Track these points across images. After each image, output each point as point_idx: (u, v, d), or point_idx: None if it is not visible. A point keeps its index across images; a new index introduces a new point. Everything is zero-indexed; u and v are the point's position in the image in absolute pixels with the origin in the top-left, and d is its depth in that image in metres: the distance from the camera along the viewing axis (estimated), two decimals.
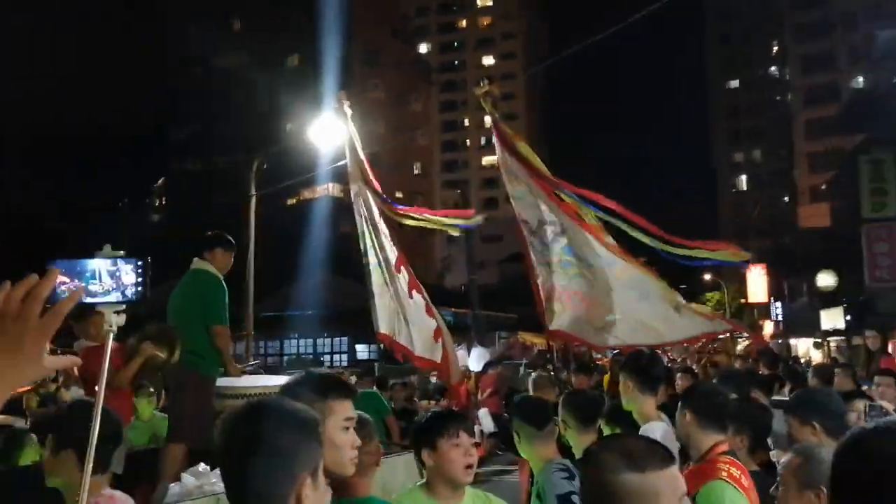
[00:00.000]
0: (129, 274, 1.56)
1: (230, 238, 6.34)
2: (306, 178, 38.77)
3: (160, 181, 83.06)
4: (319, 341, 41.48)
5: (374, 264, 7.17)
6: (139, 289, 1.58)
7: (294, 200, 59.63)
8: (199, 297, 5.96)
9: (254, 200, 16.65)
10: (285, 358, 39.99)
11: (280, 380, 5.96)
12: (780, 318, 47.88)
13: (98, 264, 1.44)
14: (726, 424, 3.41)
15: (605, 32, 11.81)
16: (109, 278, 1.52)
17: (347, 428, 2.32)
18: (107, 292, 1.56)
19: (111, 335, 1.62)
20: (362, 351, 40.81)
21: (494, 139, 7.18)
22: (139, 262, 1.60)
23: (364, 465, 2.60)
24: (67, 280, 1.43)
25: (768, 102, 79.82)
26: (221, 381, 5.77)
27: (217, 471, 3.05)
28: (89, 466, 2.02)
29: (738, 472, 3.11)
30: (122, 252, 1.47)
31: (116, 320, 1.57)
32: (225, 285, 6.05)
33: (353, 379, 12.74)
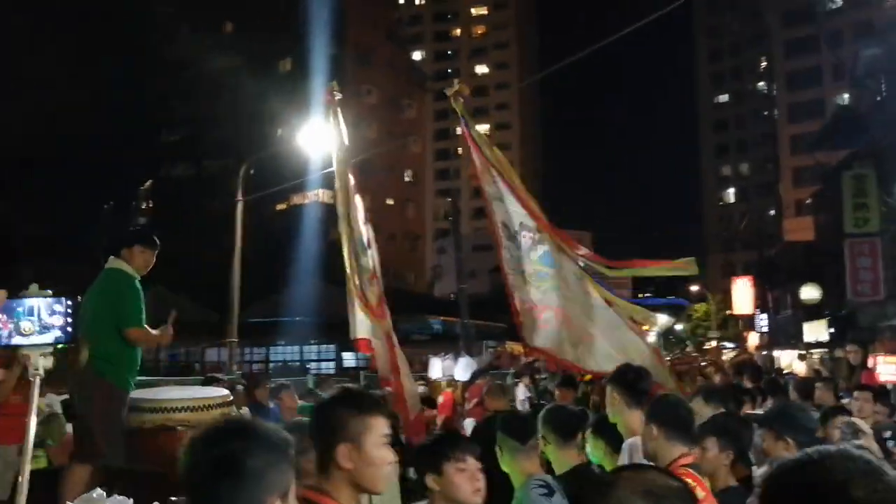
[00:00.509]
0: (56, 315, 1.47)
1: (153, 237, 5.89)
2: (296, 184, 38.73)
3: (146, 184, 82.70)
4: (306, 349, 41.35)
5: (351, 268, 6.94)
6: (69, 329, 1.49)
7: (284, 206, 59.52)
8: (111, 298, 5.38)
9: (241, 205, 16.63)
10: (271, 365, 39.83)
11: (200, 391, 5.67)
12: (764, 329, 48.08)
13: (33, 303, 1.35)
14: (691, 437, 3.42)
15: (596, 45, 11.90)
16: (48, 316, 1.42)
17: (384, 445, 2.26)
18: (33, 334, 1.46)
19: (38, 378, 1.54)
20: (349, 359, 40.64)
21: (464, 137, 7.09)
22: (69, 302, 1.51)
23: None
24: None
25: (755, 117, 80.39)
26: (136, 394, 5.14)
27: (116, 497, 2.87)
28: None
29: (693, 484, 3.08)
30: (49, 291, 1.42)
31: (43, 363, 1.49)
32: (140, 286, 5.57)
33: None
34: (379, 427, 2.24)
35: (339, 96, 7.27)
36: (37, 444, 6.61)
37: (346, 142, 7.24)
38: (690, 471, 3.24)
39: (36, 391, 1.53)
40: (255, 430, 1.67)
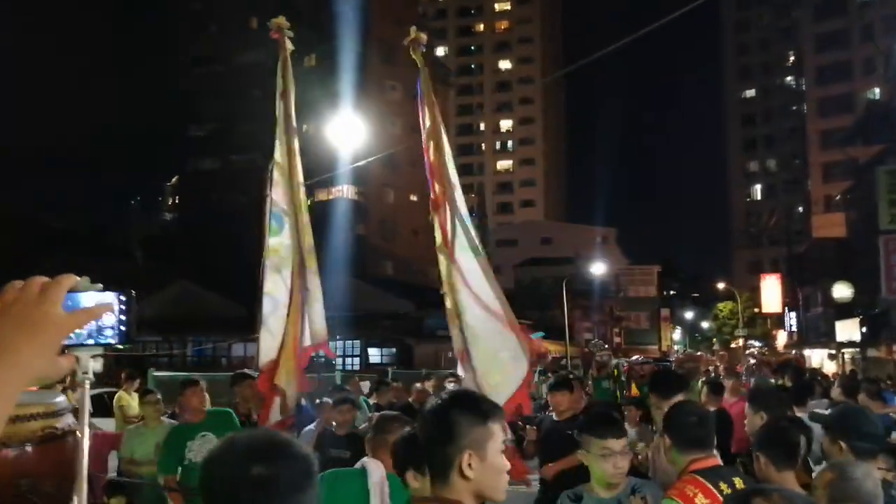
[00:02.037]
0: (109, 313, 1.33)
1: None
2: (322, 180, 38.79)
3: (173, 180, 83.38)
4: (332, 344, 41.35)
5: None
6: (123, 329, 1.33)
7: (309, 202, 59.61)
8: None
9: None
10: None
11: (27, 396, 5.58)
12: (793, 328, 47.57)
13: (83, 298, 1.22)
14: (702, 443, 3.41)
15: (621, 41, 11.71)
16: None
17: (503, 451, 2.18)
18: (80, 333, 1.34)
19: (88, 382, 1.42)
20: (374, 355, 40.78)
21: (419, 89, 6.47)
22: (122, 297, 1.36)
23: None
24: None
25: (783, 112, 79.53)
26: None
27: None
28: None
29: (695, 491, 3.16)
30: (100, 286, 1.27)
31: (93, 366, 1.35)
32: None
33: (367, 385, 12.70)
34: (499, 433, 2.15)
35: (289, 35, 6.32)
36: None
37: (291, 92, 6.32)
38: (697, 477, 3.22)
39: (87, 396, 1.42)
40: (294, 448, 1.62)
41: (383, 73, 63.67)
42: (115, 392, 10.78)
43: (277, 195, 6.11)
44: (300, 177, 6.24)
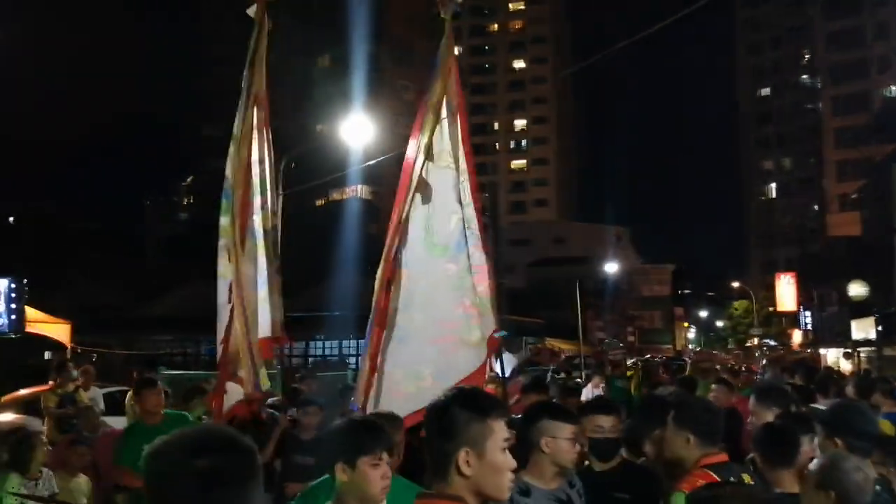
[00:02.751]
0: None
1: None
2: (334, 179, 38.89)
3: (188, 180, 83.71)
4: (346, 343, 41.51)
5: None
6: (13, 317, 1.24)
7: (322, 201, 59.87)
8: None
9: (281, 200, 16.68)
10: (310, 359, 40.08)
11: None
12: (809, 327, 47.30)
13: None
14: (714, 438, 3.44)
15: (634, 38, 11.68)
16: None
17: (505, 449, 2.14)
18: None
19: None
20: None
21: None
22: (12, 285, 1.27)
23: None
24: None
25: (798, 110, 79.00)
26: None
27: None
28: None
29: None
30: None
31: None
32: None
33: None
34: (500, 431, 2.11)
35: (267, 21, 6.13)
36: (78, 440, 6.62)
37: (261, 64, 6.07)
38: (708, 471, 3.26)
39: None
40: (234, 441, 1.57)
41: (396, 73, 63.79)
42: (128, 391, 10.85)
43: (229, 170, 5.66)
44: (256, 154, 5.76)
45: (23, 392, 11.83)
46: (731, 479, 3.25)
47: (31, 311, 13.87)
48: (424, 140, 5.32)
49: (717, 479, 3.21)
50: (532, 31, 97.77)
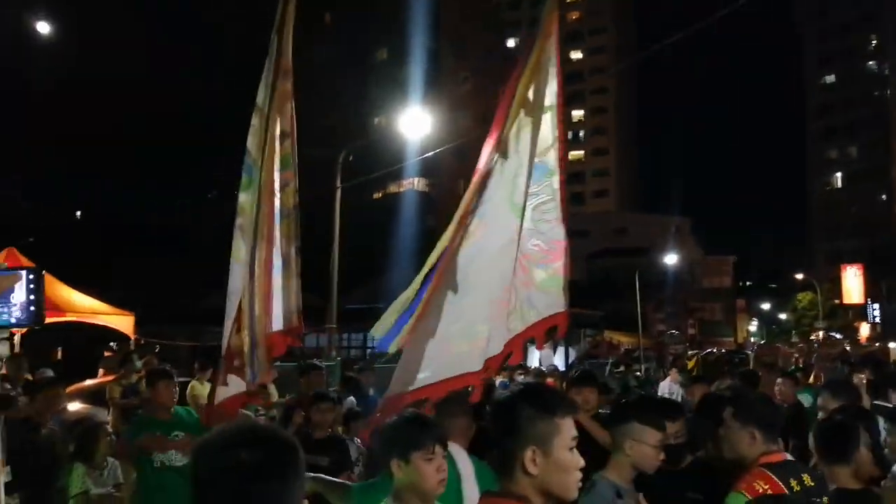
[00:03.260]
0: (18, 291, 1.22)
1: None
2: (392, 172, 39.10)
3: None
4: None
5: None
6: (32, 309, 1.23)
7: (379, 194, 60.26)
8: None
9: (339, 192, 16.81)
10: (368, 351, 40.43)
11: None
12: (877, 319, 45.99)
13: None
14: (775, 436, 3.37)
15: (695, 26, 11.43)
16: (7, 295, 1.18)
17: (573, 448, 2.10)
18: None
19: None
20: None
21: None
22: (31, 276, 1.26)
23: None
24: None
25: (865, 98, 76.78)
26: None
27: None
28: None
29: (765, 486, 3.11)
30: (5, 264, 1.16)
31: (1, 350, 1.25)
32: None
33: None
34: (568, 429, 2.07)
35: None
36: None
37: (289, 27, 5.52)
38: (765, 471, 3.18)
39: None
40: (278, 436, 1.64)
41: (454, 65, 63.78)
42: (189, 381, 11.05)
43: (251, 144, 5.27)
44: (279, 127, 5.24)
45: (88, 382, 12.15)
46: (791, 480, 3.16)
47: (95, 303, 14.26)
48: (525, 91, 5.02)
49: (776, 479, 3.14)
50: (590, 22, 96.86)
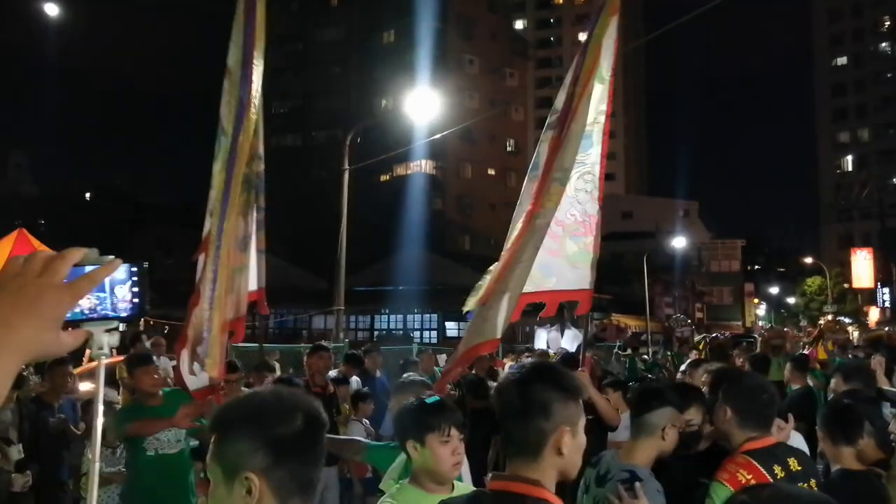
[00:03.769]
0: (120, 284, 1.25)
1: None
2: (400, 154, 39.02)
3: None
4: (409, 317, 41.88)
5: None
6: (136, 301, 1.26)
7: (387, 177, 60.16)
8: None
9: (347, 174, 16.78)
10: (375, 333, 40.52)
11: None
12: (886, 304, 45.87)
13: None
14: (764, 422, 3.30)
15: (703, 7, 11.38)
16: (114, 286, 1.22)
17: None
18: (94, 309, 1.26)
19: (103, 358, 1.36)
20: (452, 328, 41.03)
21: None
22: (134, 269, 1.28)
23: None
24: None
25: (877, 80, 76.10)
26: None
27: None
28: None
29: (748, 476, 3.06)
30: (111, 257, 1.20)
31: (109, 341, 1.29)
32: None
33: (444, 357, 12.79)
34: (583, 411, 2.13)
35: None
36: None
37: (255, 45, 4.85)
38: (751, 460, 3.13)
39: (102, 372, 1.35)
40: (305, 402, 1.73)
41: (461, 47, 63.43)
42: None
43: (223, 110, 4.87)
44: (253, 92, 4.78)
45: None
46: (775, 466, 3.13)
47: None
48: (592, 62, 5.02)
49: (759, 467, 3.11)
50: (598, 3, 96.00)
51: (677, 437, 3.39)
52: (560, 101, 5.01)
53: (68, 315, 1.08)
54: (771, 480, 3.08)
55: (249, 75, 4.74)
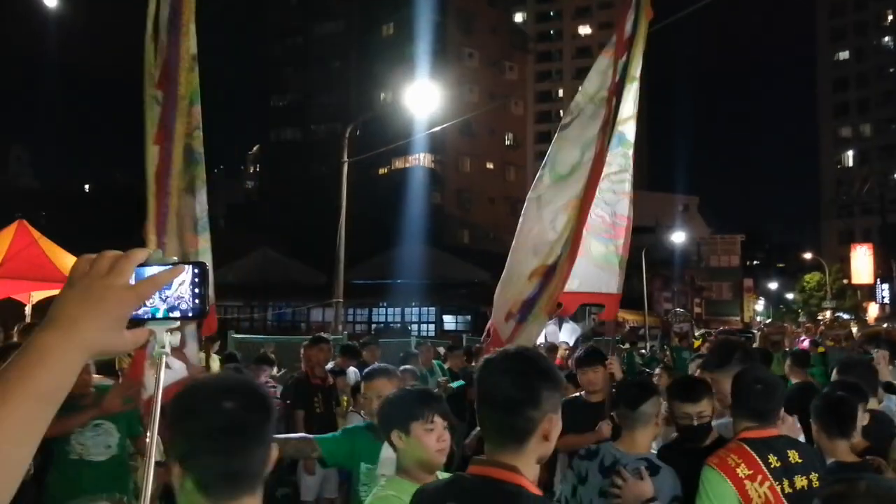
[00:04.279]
0: (182, 284, 1.25)
1: None
2: (399, 147, 38.97)
3: (254, 149, 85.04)
4: (407, 310, 41.88)
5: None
6: (197, 301, 1.26)
7: (385, 170, 60.11)
8: None
9: (346, 168, 16.76)
10: (373, 326, 40.52)
11: None
12: (886, 300, 45.89)
13: (155, 272, 1.16)
14: (759, 412, 3.32)
15: (704, 1, 11.30)
16: (175, 286, 1.24)
17: None
18: (156, 308, 1.27)
19: (164, 358, 1.37)
20: (450, 322, 41.04)
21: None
22: (196, 269, 1.29)
23: None
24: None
25: (879, 74, 75.97)
26: None
27: None
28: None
29: (738, 461, 3.11)
30: (174, 259, 1.23)
31: (170, 340, 1.30)
32: None
33: (442, 350, 12.79)
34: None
35: None
36: None
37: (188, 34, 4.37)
38: (744, 446, 3.17)
39: (162, 370, 1.36)
40: (255, 388, 1.75)
41: (460, 40, 63.31)
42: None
43: (150, 76, 4.35)
44: (189, 48, 4.34)
45: None
46: (771, 455, 3.15)
47: None
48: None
49: (752, 453, 3.14)
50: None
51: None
52: (582, 101, 5.01)
53: (133, 314, 1.12)
54: (763, 468, 3.10)
55: (179, 31, 4.30)
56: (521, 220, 4.95)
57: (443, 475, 2.88)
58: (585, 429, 4.67)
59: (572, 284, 4.63)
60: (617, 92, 4.87)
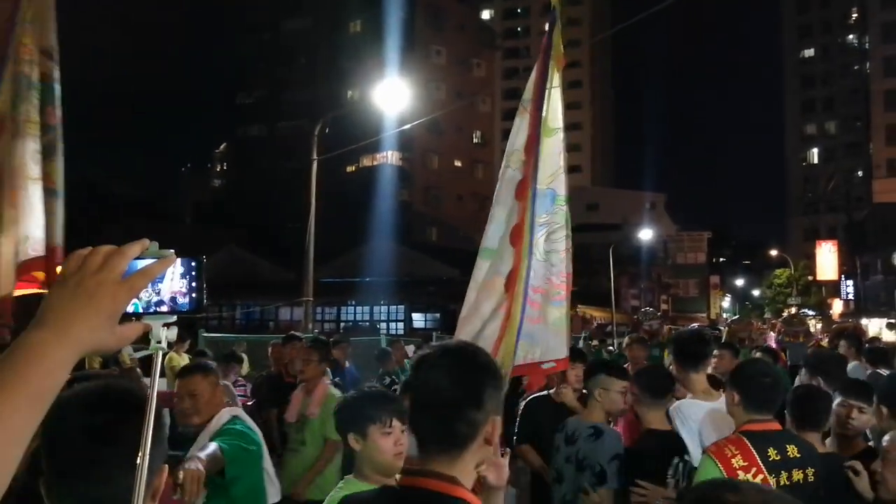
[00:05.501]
0: (179, 279, 1.20)
1: None
2: (366, 145, 38.77)
3: (221, 146, 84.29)
4: (376, 309, 41.73)
5: None
6: (193, 296, 1.21)
7: (353, 168, 59.85)
8: None
9: (315, 166, 16.60)
10: (342, 325, 40.32)
11: None
12: (850, 296, 46.57)
13: (144, 265, 1.10)
14: (763, 405, 3.39)
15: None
16: (170, 280, 1.17)
17: None
18: (151, 302, 1.21)
19: (160, 353, 1.31)
20: (419, 320, 40.96)
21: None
22: (192, 264, 1.25)
23: None
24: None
25: (844, 72, 77.02)
26: None
27: None
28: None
29: (735, 451, 3.18)
30: (171, 251, 1.17)
31: (167, 335, 1.24)
32: None
33: (412, 348, 12.70)
34: None
35: None
36: None
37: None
38: (743, 438, 3.23)
39: (158, 366, 1.27)
40: (134, 398, 1.55)
41: (429, 37, 63.20)
42: (167, 353, 10.94)
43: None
44: (42, 41, 3.90)
45: None
46: (770, 449, 3.19)
47: None
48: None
49: (749, 446, 3.19)
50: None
51: (618, 399, 4.21)
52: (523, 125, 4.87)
53: (128, 309, 1.10)
54: (759, 462, 3.14)
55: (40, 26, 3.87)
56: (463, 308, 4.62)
57: None
58: (553, 428, 4.59)
59: (535, 353, 4.50)
60: (534, 151, 4.64)
